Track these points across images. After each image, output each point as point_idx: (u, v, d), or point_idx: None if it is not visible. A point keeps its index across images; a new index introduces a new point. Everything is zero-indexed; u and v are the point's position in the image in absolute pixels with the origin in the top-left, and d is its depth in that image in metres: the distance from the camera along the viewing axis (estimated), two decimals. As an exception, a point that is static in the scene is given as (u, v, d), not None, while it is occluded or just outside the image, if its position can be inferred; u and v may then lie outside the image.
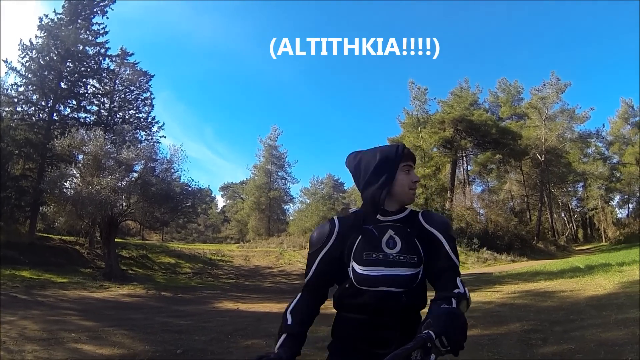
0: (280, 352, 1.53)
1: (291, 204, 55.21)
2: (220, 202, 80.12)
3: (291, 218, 56.23)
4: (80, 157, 22.42)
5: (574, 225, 62.85)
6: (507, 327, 7.36)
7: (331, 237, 1.75)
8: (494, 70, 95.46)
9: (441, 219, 1.82)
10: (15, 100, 27.87)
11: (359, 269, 1.66)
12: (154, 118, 35.02)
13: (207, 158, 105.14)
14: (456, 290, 1.61)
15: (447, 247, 1.72)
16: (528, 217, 49.74)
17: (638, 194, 51.86)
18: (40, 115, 29.00)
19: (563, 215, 61.63)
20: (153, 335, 7.69)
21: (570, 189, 57.80)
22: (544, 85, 46.79)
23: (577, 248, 48.00)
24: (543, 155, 45.60)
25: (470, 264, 31.86)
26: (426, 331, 1.34)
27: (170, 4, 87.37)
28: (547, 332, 6.65)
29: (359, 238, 1.69)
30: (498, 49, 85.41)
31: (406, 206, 1.81)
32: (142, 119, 34.35)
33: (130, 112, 34.42)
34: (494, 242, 36.76)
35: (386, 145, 1.82)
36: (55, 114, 29.32)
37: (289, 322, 1.66)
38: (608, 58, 73.84)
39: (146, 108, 35.04)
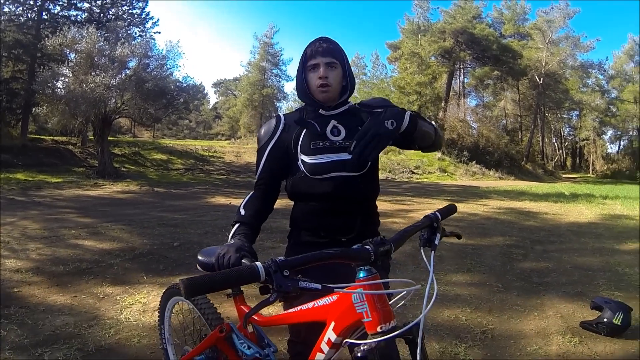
0: (236, 241, 1.51)
1: (284, 102, 54.80)
2: (213, 98, 79.68)
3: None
4: (72, 55, 21.59)
5: (564, 152, 63.60)
6: (491, 240, 7.67)
7: (277, 130, 1.79)
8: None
9: (378, 99, 1.86)
10: (2, 1, 26.43)
11: (308, 159, 1.70)
12: (148, 14, 33.61)
13: (200, 54, 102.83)
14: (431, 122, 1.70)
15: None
16: (519, 137, 50.13)
17: (631, 132, 52.03)
18: (29, 14, 27.73)
19: (554, 140, 62.11)
20: (150, 229, 7.93)
21: (564, 115, 57.84)
22: (552, 8, 45.63)
23: (564, 175, 48.96)
24: (542, 78, 45.12)
25: (459, 176, 32.47)
26: (433, 212, 1.47)
27: None
28: (527, 249, 6.95)
29: (304, 131, 1.74)
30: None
31: (348, 100, 1.84)
32: (135, 15, 32.85)
33: (123, 8, 32.66)
34: (484, 157, 37.39)
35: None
36: (44, 13, 28.07)
37: (243, 213, 1.68)
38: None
39: (140, 4, 33.32)
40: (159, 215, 9.87)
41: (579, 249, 7.03)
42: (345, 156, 1.67)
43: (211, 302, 2.00)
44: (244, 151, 33.38)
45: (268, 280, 0.97)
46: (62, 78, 20.76)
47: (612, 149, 58.60)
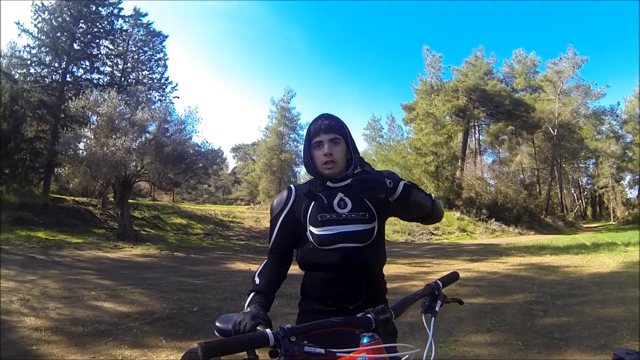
0: (252, 309, 1.59)
1: (302, 166, 55.41)
2: (232, 163, 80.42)
3: (302, 180, 55.97)
4: (94, 118, 22.49)
5: (583, 202, 62.71)
6: (511, 297, 7.56)
7: (289, 201, 1.90)
8: (510, 41, 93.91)
9: (386, 172, 1.92)
10: (29, 62, 28.00)
11: (316, 230, 1.79)
12: (167, 79, 35.02)
13: (217, 118, 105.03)
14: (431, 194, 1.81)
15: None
16: (538, 190, 49.70)
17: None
18: (54, 76, 29.06)
19: (573, 191, 61.43)
20: (169, 293, 7.99)
21: (581, 165, 57.46)
22: (560, 59, 46.17)
23: (585, 225, 48.04)
24: (556, 130, 45.22)
25: (478, 234, 32.02)
26: (435, 281, 1.58)
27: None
28: (548, 304, 6.84)
29: (312, 203, 1.84)
30: (515, 19, 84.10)
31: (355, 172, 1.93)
32: (155, 80, 34.34)
33: (143, 72, 34.37)
34: (503, 213, 37.01)
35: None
36: (68, 76, 29.32)
37: (257, 282, 1.77)
38: (627, 36, 72.29)
39: (159, 69, 35.00)
40: (179, 280, 9.95)
41: (602, 300, 6.89)
42: (350, 228, 1.79)
43: (228, 368, 2.06)
44: (263, 216, 33.50)
45: (277, 345, 1.09)
46: (84, 140, 21.44)
47: (631, 193, 57.56)
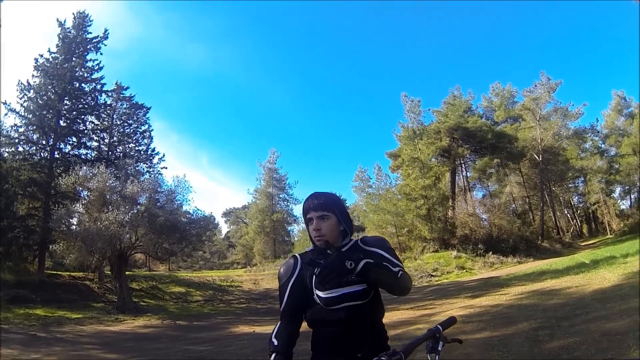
0: None
1: (295, 225, 55.41)
2: (224, 228, 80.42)
3: (296, 239, 56.35)
4: (85, 193, 22.62)
5: (578, 221, 62.70)
6: (516, 327, 7.59)
7: (296, 269, 2.16)
8: (486, 76, 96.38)
9: (376, 239, 2.26)
10: (16, 140, 28.15)
11: (322, 294, 2.03)
12: (153, 150, 35.21)
13: (205, 185, 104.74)
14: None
15: (387, 256, 2.11)
16: (531, 217, 49.75)
17: (638, 184, 51.77)
18: (42, 154, 29.17)
19: (566, 212, 61.50)
20: (177, 362, 7.94)
21: (570, 185, 57.79)
22: (535, 86, 46.87)
23: (582, 244, 47.82)
24: (540, 155, 45.62)
25: (477, 269, 31.82)
26: (435, 326, 1.87)
27: (156, 33, 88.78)
28: (554, 328, 6.89)
29: (316, 270, 2.06)
30: (487, 54, 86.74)
31: (351, 238, 2.23)
32: (142, 152, 34.45)
33: (129, 145, 34.55)
34: (499, 245, 36.75)
35: None
36: (56, 152, 29.42)
37: (276, 344, 2.01)
38: (596, 54, 74.80)
39: (145, 140, 35.25)
40: (185, 348, 9.88)
41: (606, 316, 6.96)
42: (351, 288, 2.03)
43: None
44: (261, 278, 33.51)
45: None
46: (77, 215, 21.56)
47: (624, 204, 57.75)
